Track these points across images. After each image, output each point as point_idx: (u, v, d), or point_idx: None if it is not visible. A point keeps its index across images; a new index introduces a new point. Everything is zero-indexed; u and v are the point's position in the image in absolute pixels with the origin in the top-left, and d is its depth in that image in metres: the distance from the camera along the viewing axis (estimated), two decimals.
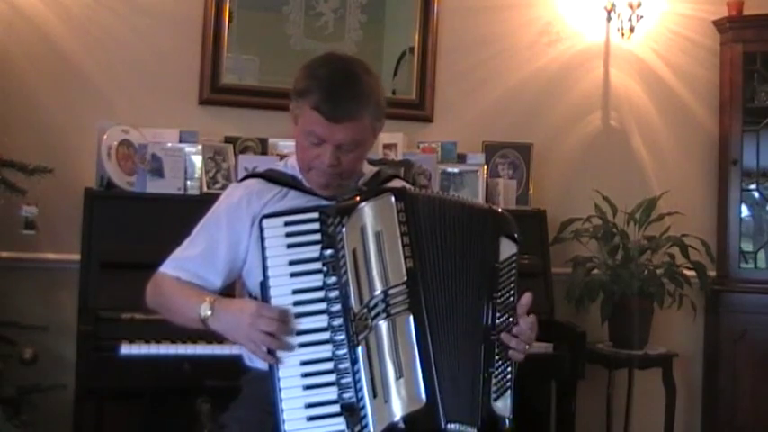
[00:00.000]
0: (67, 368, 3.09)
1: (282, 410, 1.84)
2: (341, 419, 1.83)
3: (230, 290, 2.16)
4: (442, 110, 3.93)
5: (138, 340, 2.89)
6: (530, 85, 4.06)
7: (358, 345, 1.84)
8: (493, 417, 1.89)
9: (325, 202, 2.04)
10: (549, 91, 4.08)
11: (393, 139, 3.63)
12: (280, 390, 1.85)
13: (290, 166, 2.19)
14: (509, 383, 1.93)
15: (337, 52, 2.28)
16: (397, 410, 1.80)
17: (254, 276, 2.03)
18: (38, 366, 3.07)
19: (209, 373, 2.82)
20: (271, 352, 1.88)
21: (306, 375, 1.85)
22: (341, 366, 1.85)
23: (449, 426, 1.82)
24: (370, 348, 1.83)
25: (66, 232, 3.38)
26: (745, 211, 4.22)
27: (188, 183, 3.33)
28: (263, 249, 1.92)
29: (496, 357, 1.92)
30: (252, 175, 2.23)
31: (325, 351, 1.87)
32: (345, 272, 1.88)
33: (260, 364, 2.02)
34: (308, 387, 1.85)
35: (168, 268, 2.11)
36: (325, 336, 1.87)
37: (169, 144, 3.34)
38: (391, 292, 1.85)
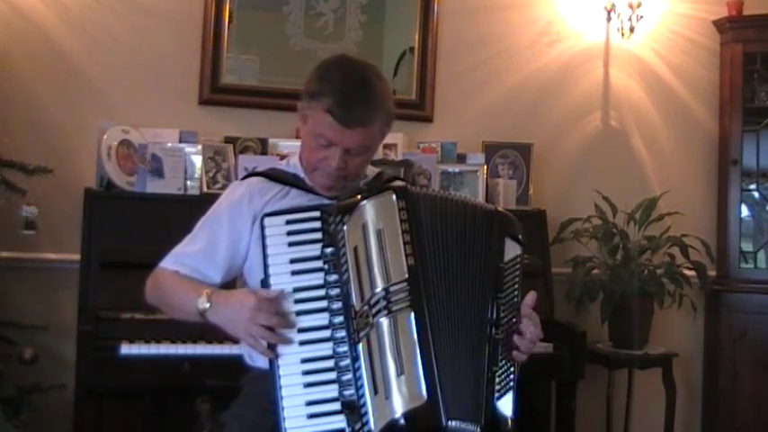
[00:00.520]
0: (67, 368, 3.09)
1: (283, 408, 1.83)
2: (341, 417, 1.83)
3: (231, 286, 2.14)
4: (441, 110, 3.93)
5: (137, 340, 2.88)
6: (530, 85, 4.06)
7: (359, 342, 1.83)
8: (496, 416, 1.89)
9: (326, 201, 2.05)
10: (549, 91, 4.08)
11: (393, 139, 3.62)
12: (280, 387, 1.85)
13: (292, 165, 2.19)
14: (512, 383, 1.93)
15: (350, 55, 2.27)
16: (398, 407, 1.79)
17: (255, 274, 2.03)
18: (38, 366, 3.07)
19: (209, 373, 2.82)
20: (270, 346, 1.87)
21: (306, 373, 1.85)
22: (342, 364, 1.85)
23: (450, 423, 1.81)
24: (371, 345, 1.82)
25: (66, 232, 3.38)
26: (745, 211, 4.22)
27: (188, 183, 3.33)
28: (264, 247, 1.92)
29: (500, 356, 1.91)
30: (254, 173, 2.23)
31: (326, 348, 1.86)
32: (346, 269, 1.88)
33: (261, 364, 2.02)
34: (308, 384, 1.84)
35: (168, 263, 2.11)
36: (326, 333, 1.87)
37: (169, 144, 3.34)
38: (392, 289, 1.85)
